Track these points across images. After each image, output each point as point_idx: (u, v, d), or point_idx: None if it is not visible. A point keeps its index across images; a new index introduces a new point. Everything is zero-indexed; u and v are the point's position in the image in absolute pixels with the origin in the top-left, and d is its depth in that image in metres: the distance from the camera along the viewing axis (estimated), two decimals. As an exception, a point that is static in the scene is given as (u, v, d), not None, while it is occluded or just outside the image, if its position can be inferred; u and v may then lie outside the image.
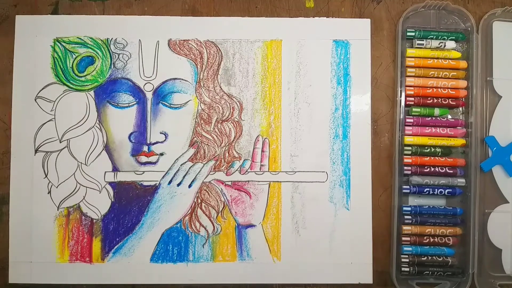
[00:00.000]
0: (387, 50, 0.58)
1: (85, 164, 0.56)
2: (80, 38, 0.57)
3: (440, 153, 0.56)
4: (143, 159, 0.56)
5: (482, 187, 0.56)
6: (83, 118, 0.56)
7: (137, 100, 0.57)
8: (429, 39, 0.57)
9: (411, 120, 0.56)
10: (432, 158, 0.56)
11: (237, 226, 0.56)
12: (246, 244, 0.56)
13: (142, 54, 0.57)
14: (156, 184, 0.56)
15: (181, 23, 0.58)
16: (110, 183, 0.56)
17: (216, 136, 0.57)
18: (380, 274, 0.56)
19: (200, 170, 0.57)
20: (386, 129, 0.58)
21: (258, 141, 0.57)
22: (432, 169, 0.56)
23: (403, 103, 0.56)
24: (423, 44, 0.57)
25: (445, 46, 0.57)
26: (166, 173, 0.56)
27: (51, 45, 0.57)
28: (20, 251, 0.56)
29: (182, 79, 0.57)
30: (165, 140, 0.57)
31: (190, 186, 0.56)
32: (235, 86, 0.57)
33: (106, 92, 0.57)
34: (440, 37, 0.57)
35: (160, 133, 0.57)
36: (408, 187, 0.56)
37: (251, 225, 0.56)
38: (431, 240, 0.56)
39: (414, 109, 0.56)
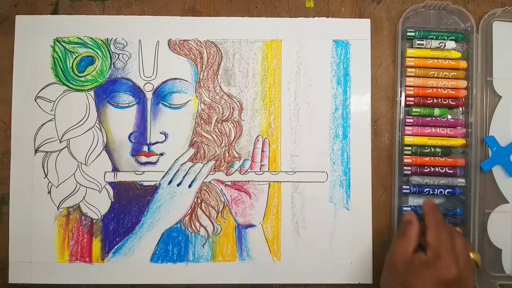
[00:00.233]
0: (387, 50, 0.58)
1: (85, 164, 0.56)
2: (80, 38, 0.57)
3: (440, 153, 0.56)
4: (143, 159, 0.56)
5: (482, 187, 0.56)
6: (83, 118, 0.56)
7: (137, 100, 0.57)
8: (429, 39, 0.57)
9: (411, 120, 0.56)
10: (432, 158, 0.56)
11: (237, 226, 0.56)
12: (246, 244, 0.56)
13: (142, 54, 0.57)
14: (156, 184, 0.56)
15: (181, 23, 0.58)
16: (110, 183, 0.56)
17: (216, 136, 0.57)
18: (380, 274, 0.56)
19: (200, 170, 0.57)
20: (386, 129, 0.58)
21: (258, 141, 0.57)
22: (432, 169, 0.56)
23: (403, 103, 0.56)
24: (423, 44, 0.57)
25: (445, 46, 0.57)
26: (166, 173, 0.56)
27: (51, 45, 0.57)
28: (20, 251, 0.56)
29: (182, 79, 0.57)
30: (165, 140, 0.57)
31: (190, 186, 0.56)
32: (235, 86, 0.57)
33: (106, 92, 0.57)
34: (440, 37, 0.57)
35: (160, 133, 0.57)
36: (408, 187, 0.56)
37: (251, 225, 0.56)
38: (431, 240, 0.56)
39: (414, 109, 0.56)
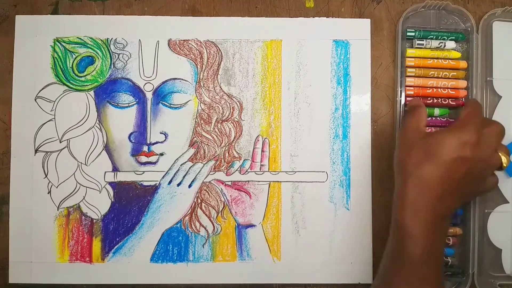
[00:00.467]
0: (387, 50, 0.58)
1: (85, 164, 0.56)
2: (80, 38, 0.57)
3: (440, 153, 0.56)
4: (143, 159, 0.56)
5: (482, 187, 0.56)
6: (83, 118, 0.56)
7: (137, 100, 0.57)
8: (429, 39, 0.57)
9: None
10: (432, 158, 0.56)
11: (237, 226, 0.56)
12: (246, 244, 0.56)
13: (142, 54, 0.57)
14: (156, 184, 0.56)
15: (181, 23, 0.58)
16: (110, 183, 0.56)
17: (216, 136, 0.57)
18: (380, 274, 0.57)
19: (200, 170, 0.57)
20: (386, 129, 0.58)
21: (258, 141, 0.57)
22: (432, 169, 0.56)
23: (403, 103, 0.56)
24: (423, 44, 0.57)
25: (445, 46, 0.57)
26: (166, 173, 0.56)
27: (51, 45, 0.57)
28: (20, 251, 0.56)
29: (182, 79, 0.57)
30: (165, 140, 0.57)
31: (190, 186, 0.56)
32: (235, 86, 0.57)
33: (106, 92, 0.57)
34: (440, 37, 0.57)
35: (160, 133, 0.57)
36: (408, 187, 0.56)
37: (251, 225, 0.56)
38: (431, 240, 0.56)
39: (414, 109, 0.57)
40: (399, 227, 0.43)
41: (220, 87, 0.57)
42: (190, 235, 0.56)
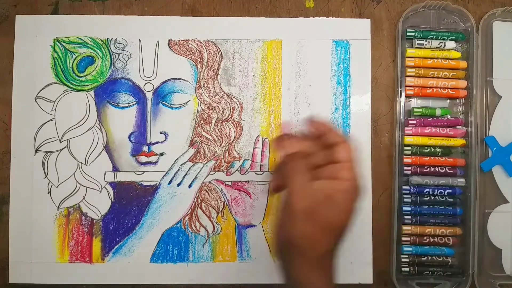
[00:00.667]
0: (387, 50, 0.58)
1: (85, 164, 0.56)
2: (80, 38, 0.57)
3: (440, 153, 0.56)
4: (143, 159, 0.56)
5: (482, 187, 0.56)
6: (83, 118, 0.56)
7: (137, 100, 0.57)
8: (429, 39, 0.57)
9: (414, 122, 0.56)
10: (432, 158, 0.56)
11: (237, 226, 0.56)
12: (246, 244, 0.56)
13: (142, 54, 0.57)
14: (156, 184, 0.56)
15: (181, 23, 0.58)
16: (110, 183, 0.56)
17: (216, 136, 0.57)
18: (380, 274, 0.56)
19: (200, 170, 0.57)
20: (386, 129, 0.58)
21: (258, 141, 0.57)
22: (432, 169, 0.56)
23: (403, 103, 0.56)
24: (423, 44, 0.57)
25: (445, 46, 0.57)
26: (166, 173, 0.56)
27: (51, 45, 0.57)
28: (20, 251, 0.56)
29: (182, 79, 0.57)
30: (165, 140, 0.57)
31: (190, 186, 0.56)
32: (235, 86, 0.57)
33: (106, 92, 0.57)
34: (440, 37, 0.57)
35: (160, 133, 0.57)
36: (408, 187, 0.56)
37: (251, 225, 0.56)
38: (431, 240, 0.56)
39: (415, 109, 0.56)
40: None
41: (220, 87, 0.57)
42: (190, 235, 0.56)
